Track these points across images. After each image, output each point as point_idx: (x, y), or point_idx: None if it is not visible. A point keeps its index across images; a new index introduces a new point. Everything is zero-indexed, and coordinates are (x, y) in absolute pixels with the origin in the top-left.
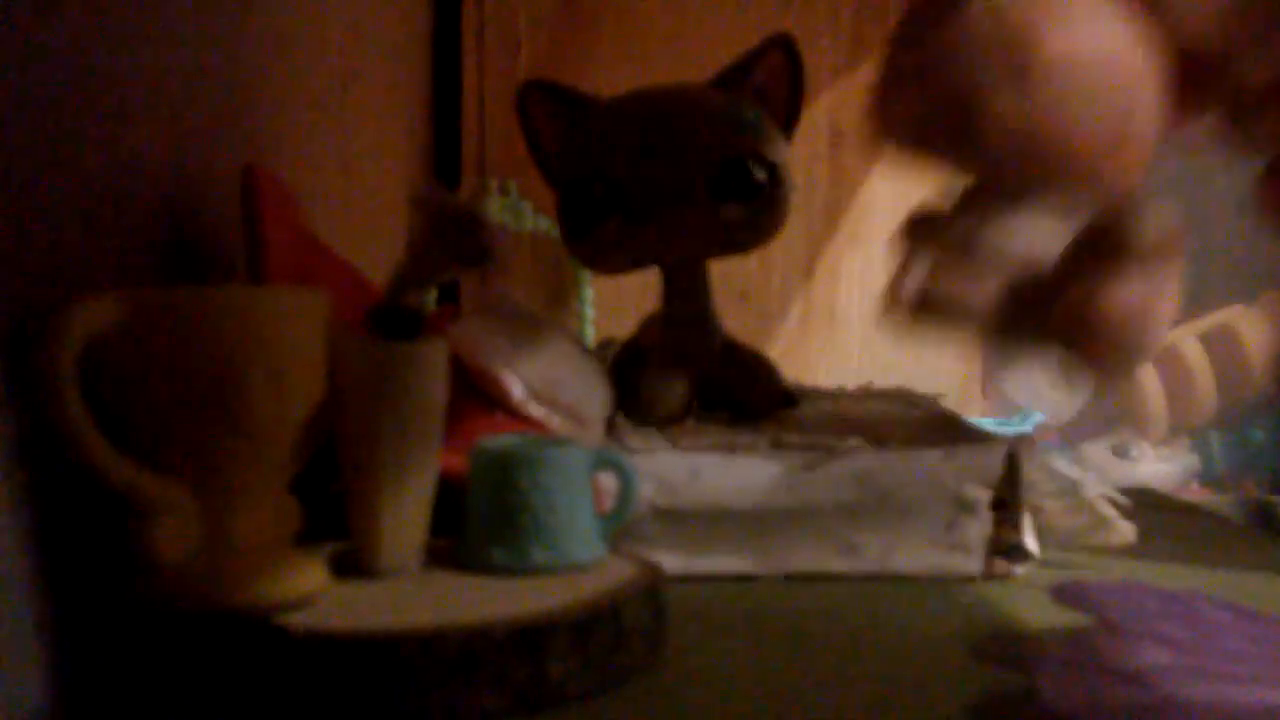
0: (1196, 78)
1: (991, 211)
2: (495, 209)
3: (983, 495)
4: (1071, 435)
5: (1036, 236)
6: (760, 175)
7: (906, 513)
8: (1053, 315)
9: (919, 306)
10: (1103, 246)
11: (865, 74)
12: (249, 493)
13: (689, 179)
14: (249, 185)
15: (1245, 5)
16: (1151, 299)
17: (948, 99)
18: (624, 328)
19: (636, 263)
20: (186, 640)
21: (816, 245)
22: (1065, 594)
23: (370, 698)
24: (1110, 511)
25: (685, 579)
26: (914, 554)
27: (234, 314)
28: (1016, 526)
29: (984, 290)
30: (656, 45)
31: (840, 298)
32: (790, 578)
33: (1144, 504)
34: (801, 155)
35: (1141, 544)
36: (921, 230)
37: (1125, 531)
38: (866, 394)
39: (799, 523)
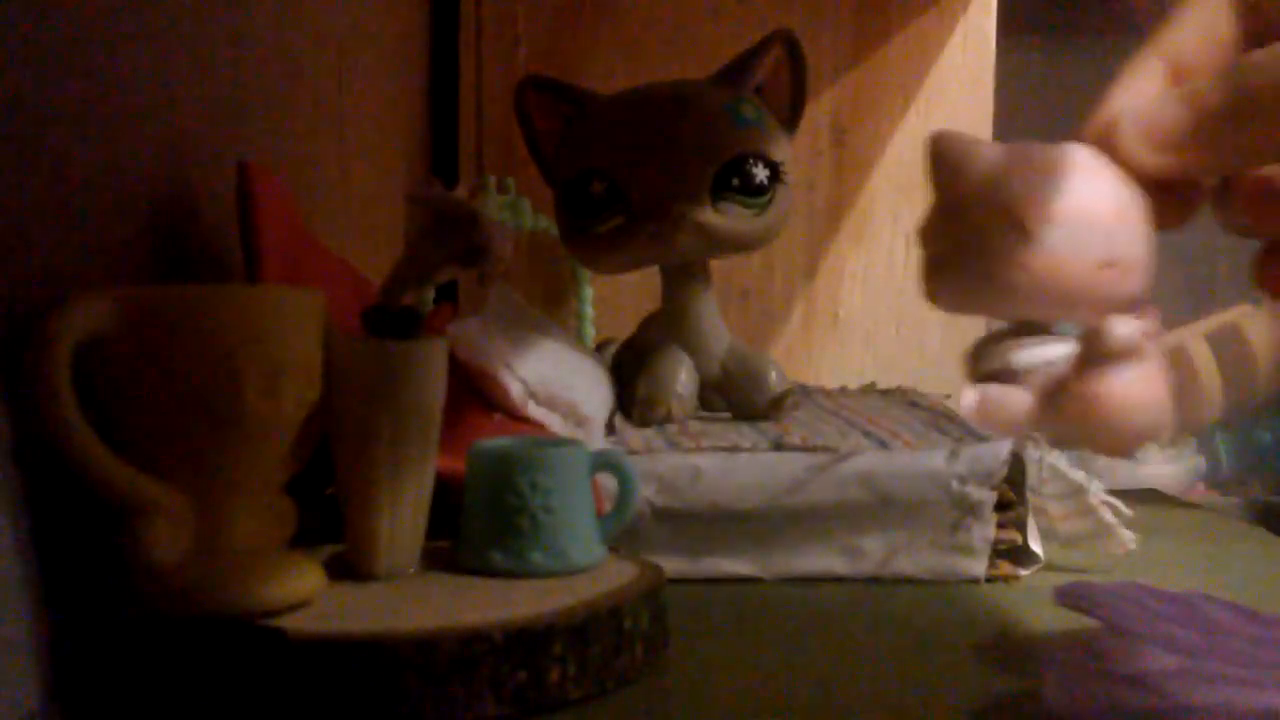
0: (1173, 196)
1: (1025, 336)
2: (494, 207)
3: (987, 497)
4: None
5: (1058, 353)
6: (762, 174)
7: (910, 514)
8: (1064, 412)
9: (979, 416)
10: (1087, 354)
11: (868, 70)
12: (245, 494)
13: (689, 178)
14: (244, 183)
15: (1186, 144)
16: (1134, 392)
17: (964, 253)
18: (624, 328)
19: (636, 262)
20: (182, 643)
21: (819, 244)
22: (1069, 597)
23: (366, 701)
24: (1112, 518)
25: (686, 581)
26: (917, 556)
27: (230, 313)
28: (1021, 528)
29: (1023, 400)
30: (657, 42)
31: (843, 297)
32: (792, 580)
33: (1149, 505)
34: (803, 153)
35: (1146, 545)
36: (973, 358)
37: (1126, 539)
38: (869, 394)
39: (801, 524)
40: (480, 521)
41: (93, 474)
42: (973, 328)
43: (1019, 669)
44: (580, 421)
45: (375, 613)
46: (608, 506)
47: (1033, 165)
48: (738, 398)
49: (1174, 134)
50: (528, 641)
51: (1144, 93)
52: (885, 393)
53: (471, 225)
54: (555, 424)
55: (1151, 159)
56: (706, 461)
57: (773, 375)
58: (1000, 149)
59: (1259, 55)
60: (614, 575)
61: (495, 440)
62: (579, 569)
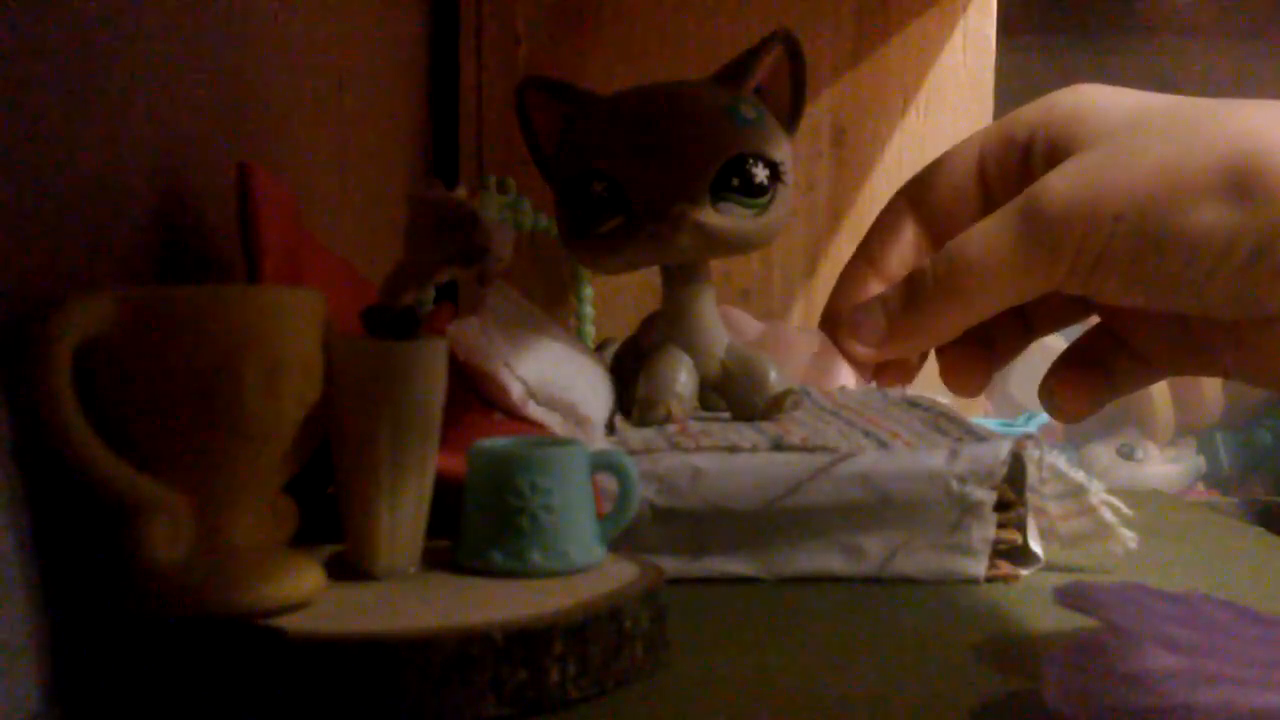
0: (887, 366)
1: None
2: (494, 207)
3: (987, 497)
4: (1076, 436)
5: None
6: (762, 174)
7: (909, 515)
8: None
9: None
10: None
11: (867, 70)
12: (245, 494)
13: (689, 178)
14: (244, 183)
15: (884, 339)
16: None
17: None
18: (624, 328)
19: (637, 263)
20: (182, 643)
21: (818, 244)
22: (1069, 597)
23: (366, 701)
24: (1112, 518)
25: (686, 581)
26: (917, 556)
27: (230, 313)
28: (1021, 528)
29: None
30: (657, 42)
31: None
32: (792, 580)
33: (1149, 505)
34: (804, 153)
35: (1146, 545)
36: None
37: (1126, 539)
38: (869, 394)
39: (801, 524)
40: (480, 521)
41: (93, 474)
42: None
43: (1019, 669)
44: (580, 421)
45: (375, 613)
46: (608, 506)
47: (778, 343)
48: (737, 398)
49: (875, 334)
50: (528, 641)
51: (856, 295)
52: (885, 393)
53: (471, 225)
54: (555, 424)
55: (863, 352)
56: (706, 461)
57: (773, 375)
58: (760, 327)
59: (923, 266)
60: (614, 575)
61: (495, 440)
62: (579, 569)
